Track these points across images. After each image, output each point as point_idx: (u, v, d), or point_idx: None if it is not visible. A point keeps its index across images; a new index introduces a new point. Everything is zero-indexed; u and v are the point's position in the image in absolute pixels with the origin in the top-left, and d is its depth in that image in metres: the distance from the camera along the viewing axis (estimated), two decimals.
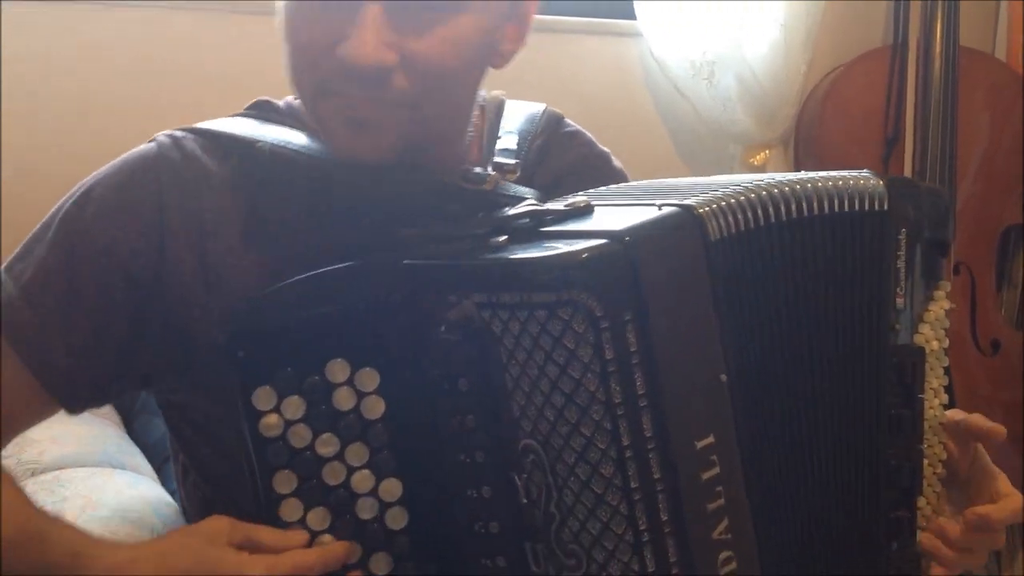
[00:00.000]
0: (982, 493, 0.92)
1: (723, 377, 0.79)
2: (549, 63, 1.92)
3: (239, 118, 0.97)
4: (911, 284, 0.87)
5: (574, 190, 0.92)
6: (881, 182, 0.86)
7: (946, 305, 0.91)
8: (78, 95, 1.67)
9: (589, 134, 1.10)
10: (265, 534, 0.80)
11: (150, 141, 0.94)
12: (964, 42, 2.01)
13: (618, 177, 1.09)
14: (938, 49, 1.95)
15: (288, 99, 0.99)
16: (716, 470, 0.78)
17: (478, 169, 0.94)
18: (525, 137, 1.02)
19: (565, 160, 1.05)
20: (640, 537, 0.76)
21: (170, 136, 0.94)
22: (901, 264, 0.87)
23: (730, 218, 0.79)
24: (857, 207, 0.85)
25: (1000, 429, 0.92)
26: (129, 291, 0.89)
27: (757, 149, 1.97)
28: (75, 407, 0.91)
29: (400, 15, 0.83)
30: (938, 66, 1.94)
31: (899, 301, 0.87)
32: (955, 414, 0.94)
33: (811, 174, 0.87)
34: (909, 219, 0.87)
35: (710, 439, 0.78)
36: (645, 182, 0.94)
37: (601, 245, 0.73)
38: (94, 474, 1.21)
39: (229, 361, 0.81)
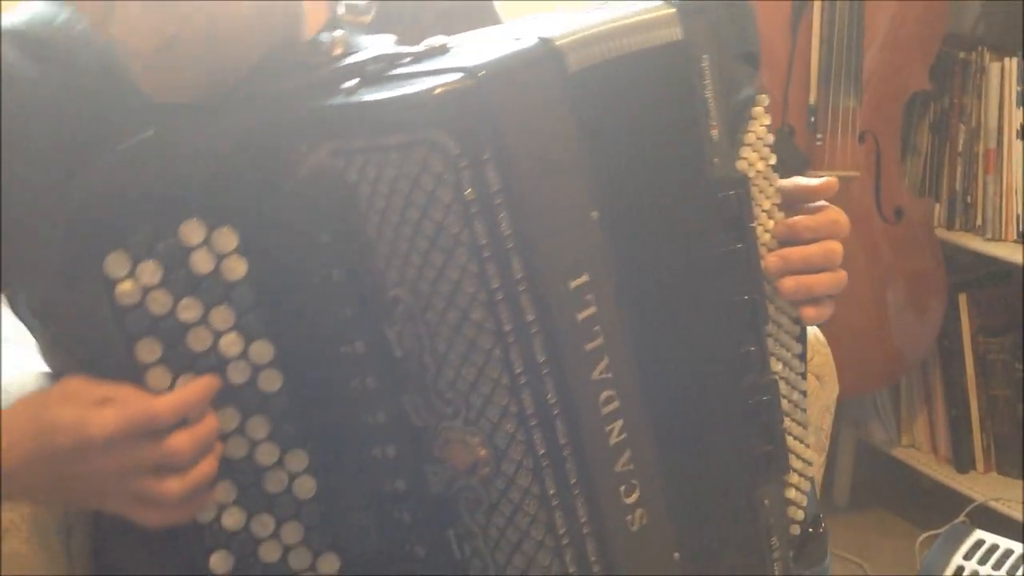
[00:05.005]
0: None
1: (594, 214, 0.76)
2: None
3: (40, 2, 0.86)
4: (724, 110, 0.83)
5: None
6: (670, 9, 0.80)
7: (766, 120, 0.86)
8: None
9: None
10: (125, 391, 0.75)
11: None
12: None
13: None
14: None
15: None
16: (592, 309, 0.77)
17: (323, 35, 0.85)
18: None
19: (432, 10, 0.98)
20: (517, 380, 0.75)
21: None
22: (709, 93, 0.82)
23: (590, 49, 0.75)
24: (651, 43, 0.79)
25: (831, 180, 0.90)
26: None
27: None
28: None
29: None
30: None
31: (713, 133, 0.82)
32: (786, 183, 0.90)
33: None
34: (709, 42, 0.81)
35: (584, 278, 0.76)
36: (505, 24, 0.89)
37: (454, 81, 0.70)
38: None
39: (77, 227, 0.76)
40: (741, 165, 0.85)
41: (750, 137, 0.86)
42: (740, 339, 0.85)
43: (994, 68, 1.93)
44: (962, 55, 1.98)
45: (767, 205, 0.87)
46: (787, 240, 0.87)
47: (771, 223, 0.87)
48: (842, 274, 0.89)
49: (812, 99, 1.92)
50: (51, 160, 0.82)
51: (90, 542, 0.99)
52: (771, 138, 0.86)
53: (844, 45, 1.90)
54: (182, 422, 0.76)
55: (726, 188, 0.83)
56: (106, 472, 0.74)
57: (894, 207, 1.97)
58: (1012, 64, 1.90)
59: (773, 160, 0.87)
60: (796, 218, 0.88)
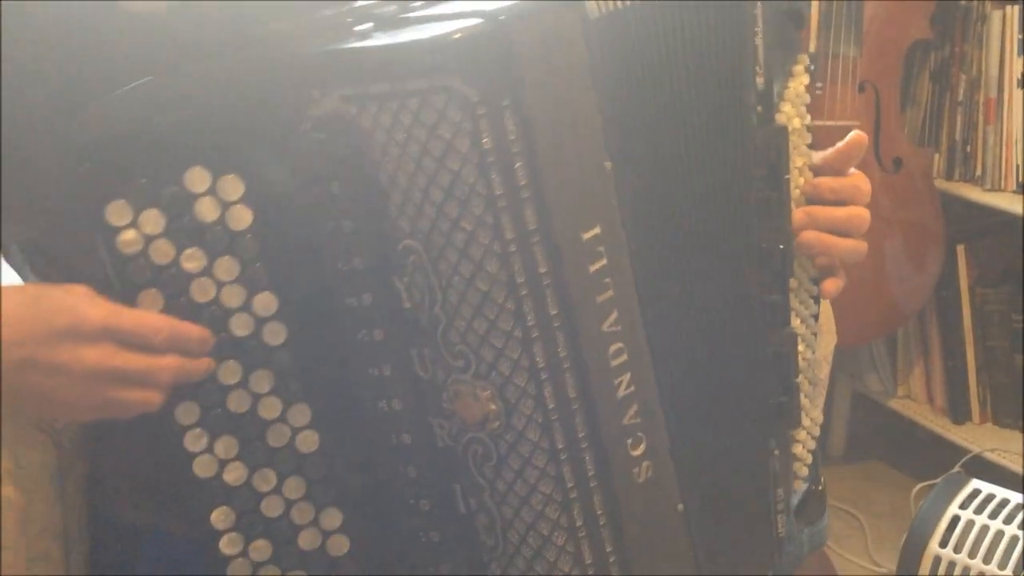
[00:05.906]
0: None
1: (608, 165, 0.75)
2: None
3: None
4: (769, 61, 0.83)
5: None
6: None
7: (805, 80, 0.87)
8: None
9: None
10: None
11: None
12: None
13: None
14: None
15: None
16: (603, 262, 0.76)
17: None
18: None
19: None
20: (529, 333, 0.74)
21: None
22: (759, 41, 0.82)
23: None
24: None
25: (861, 136, 0.89)
26: None
27: None
28: None
29: None
30: None
31: (759, 81, 0.83)
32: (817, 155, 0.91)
33: None
34: None
35: (596, 230, 0.75)
36: None
37: (474, 25, 0.69)
38: None
39: (75, 175, 0.74)
40: (780, 119, 0.85)
41: (789, 93, 0.86)
42: (766, 287, 0.85)
43: (995, 16, 1.91)
44: (963, 3, 1.95)
45: (799, 163, 0.87)
46: (812, 199, 0.88)
47: (801, 180, 0.87)
48: (863, 244, 0.89)
49: (812, 47, 1.90)
50: (52, 93, 0.79)
51: (85, 489, 0.97)
52: (808, 98, 0.87)
53: None
54: None
55: (766, 135, 0.83)
56: (85, 367, 0.73)
57: (893, 157, 1.96)
58: (1013, 12, 1.88)
59: (808, 120, 0.87)
60: (820, 178, 0.88)
